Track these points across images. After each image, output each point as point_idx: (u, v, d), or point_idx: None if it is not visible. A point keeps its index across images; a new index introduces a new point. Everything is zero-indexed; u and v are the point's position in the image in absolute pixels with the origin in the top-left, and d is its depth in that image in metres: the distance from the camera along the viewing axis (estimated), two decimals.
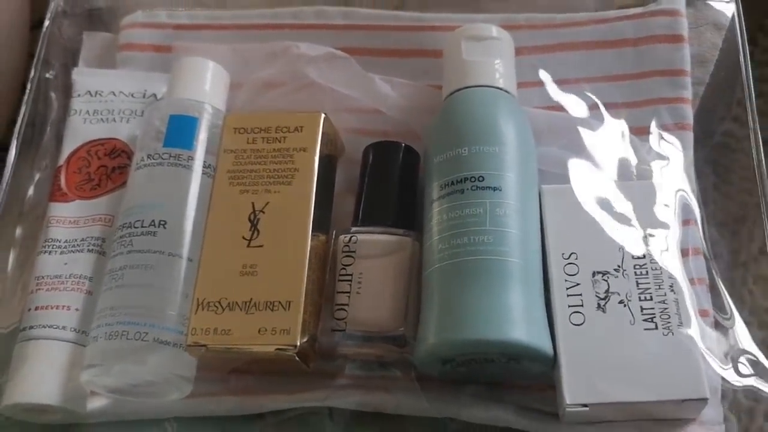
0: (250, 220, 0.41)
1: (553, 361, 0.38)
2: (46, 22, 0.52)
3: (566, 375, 0.37)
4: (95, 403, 0.42)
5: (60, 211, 0.45)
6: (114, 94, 0.48)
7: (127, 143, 0.47)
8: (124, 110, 0.48)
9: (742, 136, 0.51)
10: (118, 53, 0.51)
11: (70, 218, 0.44)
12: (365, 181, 0.44)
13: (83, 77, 0.49)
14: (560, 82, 0.48)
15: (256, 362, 0.41)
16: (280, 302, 0.39)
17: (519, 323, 0.37)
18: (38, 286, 0.43)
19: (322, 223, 0.43)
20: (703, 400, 0.37)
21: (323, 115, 0.44)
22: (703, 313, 0.41)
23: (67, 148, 0.47)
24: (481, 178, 0.40)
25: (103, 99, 0.48)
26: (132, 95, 0.48)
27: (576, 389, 0.37)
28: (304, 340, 0.39)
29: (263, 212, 0.41)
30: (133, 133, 0.47)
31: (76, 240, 0.44)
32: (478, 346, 0.37)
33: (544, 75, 0.48)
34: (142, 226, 0.41)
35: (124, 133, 0.47)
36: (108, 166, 0.46)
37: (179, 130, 0.44)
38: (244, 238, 0.41)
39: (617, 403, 0.37)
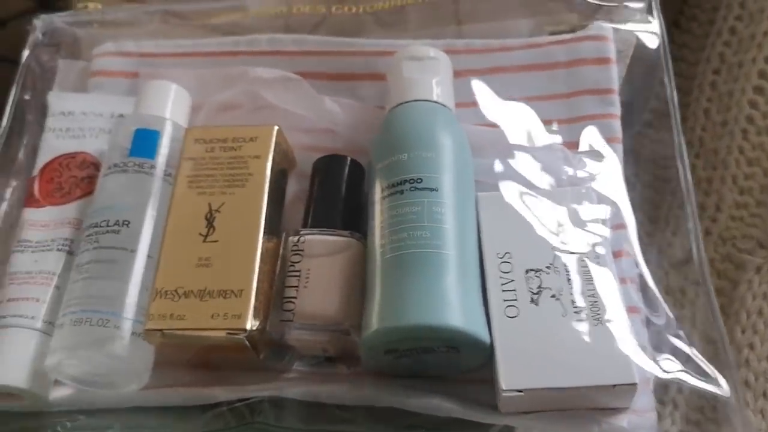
0: (206, 218, 0.45)
1: (490, 350, 0.40)
2: (26, 52, 0.56)
3: (502, 362, 0.39)
4: (57, 393, 0.45)
5: (33, 215, 0.49)
6: (84, 114, 0.52)
7: (96, 156, 0.51)
8: (93, 128, 0.52)
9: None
10: (90, 79, 0.56)
11: (41, 222, 0.48)
12: (314, 189, 0.48)
13: (57, 100, 0.54)
14: (496, 102, 0.51)
15: (208, 353, 0.45)
16: (232, 290, 0.43)
17: (456, 310, 0.40)
18: (11, 281, 0.46)
19: (273, 227, 0.46)
20: (632, 386, 0.38)
21: (276, 127, 0.48)
22: (632, 310, 0.43)
23: (41, 161, 0.51)
24: (419, 180, 0.43)
25: (75, 118, 0.52)
26: (101, 115, 0.53)
27: (511, 375, 0.39)
28: (255, 325, 0.42)
29: (218, 212, 0.45)
30: (101, 148, 0.51)
31: (46, 240, 0.48)
32: (417, 331, 0.40)
33: (480, 95, 0.51)
34: (107, 225, 0.45)
35: (92, 148, 0.51)
36: (77, 176, 0.50)
37: (143, 142, 0.48)
38: (200, 234, 0.45)
39: (551, 389, 0.39)
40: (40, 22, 0.57)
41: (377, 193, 0.45)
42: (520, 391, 0.39)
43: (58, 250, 0.47)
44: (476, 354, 0.41)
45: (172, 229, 0.45)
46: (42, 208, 0.49)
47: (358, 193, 0.49)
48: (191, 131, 0.49)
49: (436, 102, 0.48)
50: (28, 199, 0.49)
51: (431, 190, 0.43)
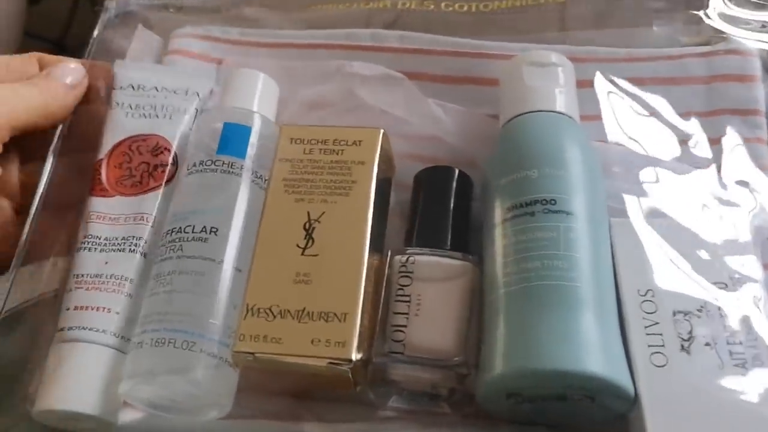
0: (305, 228, 0.40)
1: (633, 402, 0.36)
2: (95, 32, 0.51)
3: (651, 419, 0.35)
4: (126, 417, 0.39)
5: (100, 206, 0.42)
6: (157, 90, 0.46)
7: (169, 140, 0.44)
8: (167, 106, 0.45)
9: None
10: (165, 57, 0.51)
11: (110, 215, 0.42)
12: (420, 204, 0.43)
13: (125, 70, 0.47)
14: (624, 117, 0.46)
15: (299, 380, 0.39)
16: (335, 313, 0.37)
17: (597, 354, 0.35)
18: (77, 285, 0.40)
19: (377, 242, 0.41)
20: None
21: (382, 131, 0.43)
22: None
23: (109, 142, 0.44)
24: (553, 201, 0.38)
25: (146, 93, 0.46)
26: (175, 92, 0.46)
27: None
28: (360, 355, 0.37)
29: (318, 222, 0.40)
30: (175, 131, 0.45)
31: (117, 238, 0.41)
32: (551, 376, 0.35)
33: (606, 108, 0.46)
34: (192, 232, 0.39)
35: (166, 130, 0.45)
36: (150, 163, 0.44)
37: (233, 138, 0.42)
38: (298, 246, 0.39)
39: None
40: (114, 3, 0.52)
41: (498, 214, 0.40)
42: None
43: (131, 251, 0.41)
44: (614, 405, 0.36)
45: (265, 239, 0.40)
46: (111, 197, 0.42)
47: (467, 210, 0.43)
48: (287, 129, 0.43)
49: (561, 113, 0.43)
50: (95, 187, 0.43)
51: (566, 213, 0.38)
